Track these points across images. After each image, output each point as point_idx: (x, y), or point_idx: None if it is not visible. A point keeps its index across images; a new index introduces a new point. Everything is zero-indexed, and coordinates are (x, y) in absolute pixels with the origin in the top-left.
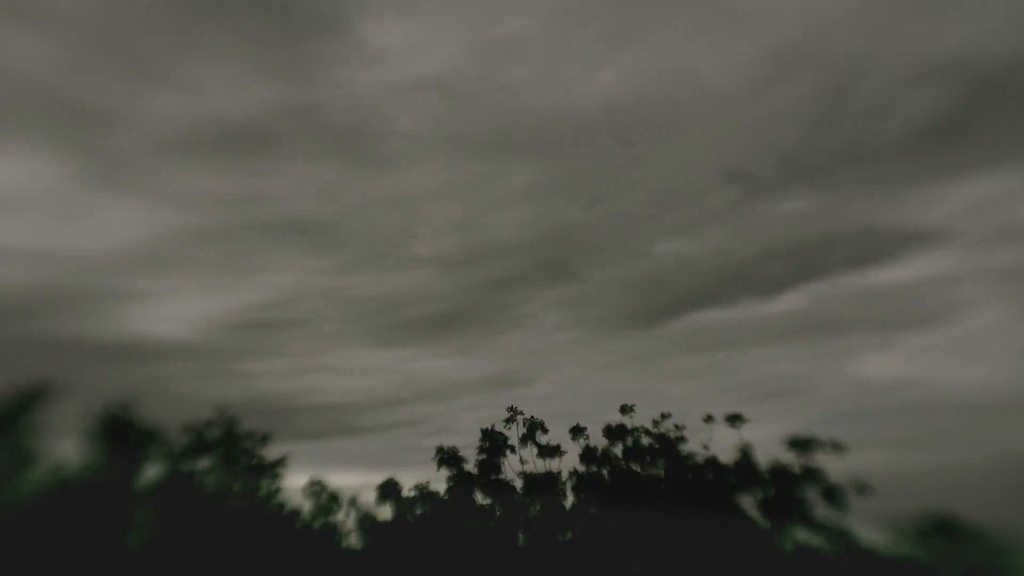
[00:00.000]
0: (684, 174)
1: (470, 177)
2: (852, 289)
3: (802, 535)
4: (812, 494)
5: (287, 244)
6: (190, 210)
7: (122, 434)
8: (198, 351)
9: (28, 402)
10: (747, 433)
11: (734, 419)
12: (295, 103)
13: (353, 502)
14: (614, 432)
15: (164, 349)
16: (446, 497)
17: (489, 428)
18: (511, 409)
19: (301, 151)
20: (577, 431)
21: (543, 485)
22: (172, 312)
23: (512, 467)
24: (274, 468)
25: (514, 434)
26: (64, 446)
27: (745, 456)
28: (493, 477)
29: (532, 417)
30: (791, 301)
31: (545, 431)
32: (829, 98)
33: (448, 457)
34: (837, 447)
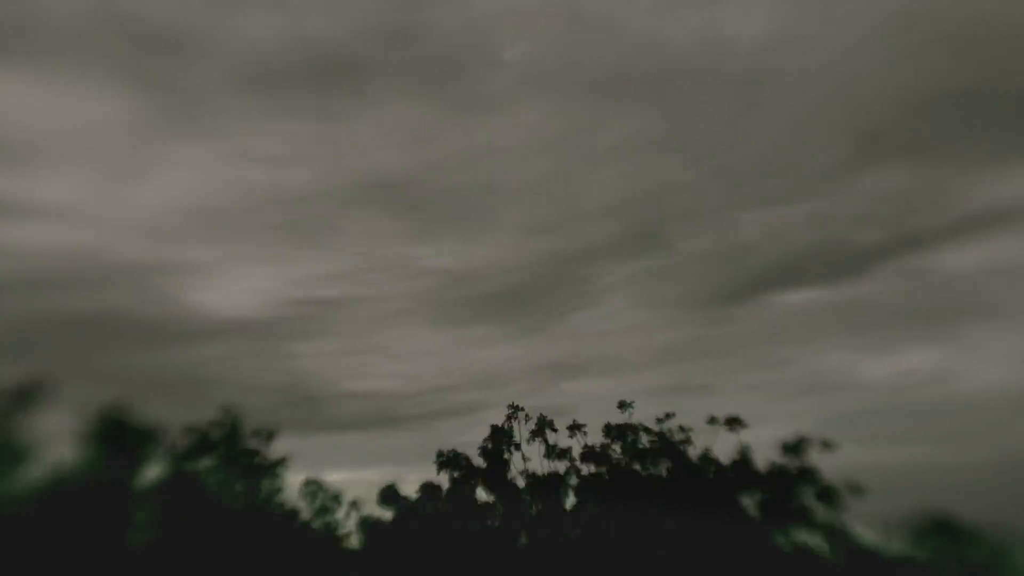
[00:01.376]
0: (788, 137)
1: (573, 124)
2: (938, 274)
3: (801, 536)
4: (807, 495)
5: (362, 204)
6: (258, 163)
7: (118, 435)
8: (250, 329)
9: (23, 400)
10: (758, 434)
11: (733, 422)
12: (396, 24)
13: (354, 504)
14: (613, 431)
15: (213, 327)
16: (445, 500)
17: (499, 425)
18: (511, 407)
19: (394, 87)
20: (575, 428)
21: (546, 485)
22: (227, 284)
23: (516, 466)
24: (275, 468)
25: (520, 432)
26: (60, 446)
27: (744, 457)
28: (498, 476)
29: (541, 415)
30: (865, 285)
31: (554, 430)
32: (947, 69)
33: (449, 461)
34: (827, 446)
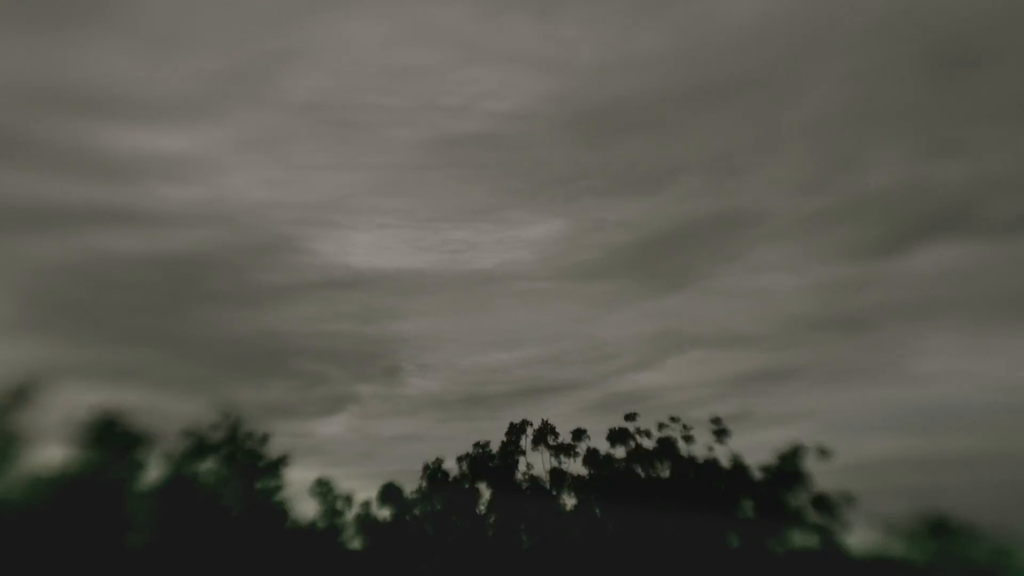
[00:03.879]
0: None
1: None
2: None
3: (799, 539)
4: (802, 501)
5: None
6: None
7: (115, 438)
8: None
9: (21, 400)
10: (766, 436)
11: (720, 433)
12: None
13: (349, 500)
14: (617, 436)
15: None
16: (439, 505)
17: (516, 423)
18: (522, 422)
19: None
20: (579, 433)
21: (547, 488)
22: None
23: (521, 469)
24: (276, 467)
25: (526, 440)
26: (58, 447)
27: (738, 462)
28: (505, 478)
29: (544, 421)
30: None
31: (556, 435)
32: None
33: (434, 472)
34: (824, 453)
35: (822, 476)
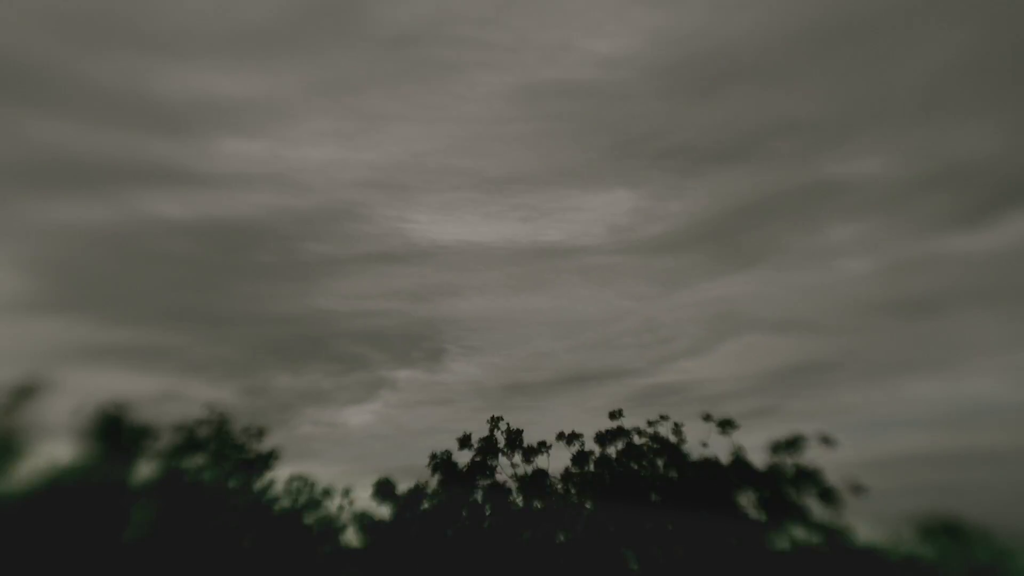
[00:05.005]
0: None
1: None
2: None
3: (800, 535)
4: (807, 494)
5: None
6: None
7: (114, 433)
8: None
9: (21, 397)
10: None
11: (725, 424)
12: None
13: (347, 492)
14: (606, 437)
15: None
16: (436, 500)
17: (467, 435)
18: (492, 419)
19: None
20: (572, 437)
21: (535, 484)
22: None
23: (504, 470)
24: (266, 462)
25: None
26: (57, 444)
27: (739, 457)
28: (487, 481)
29: (509, 425)
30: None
31: (520, 442)
32: None
33: (442, 464)
34: (827, 442)
35: (837, 471)
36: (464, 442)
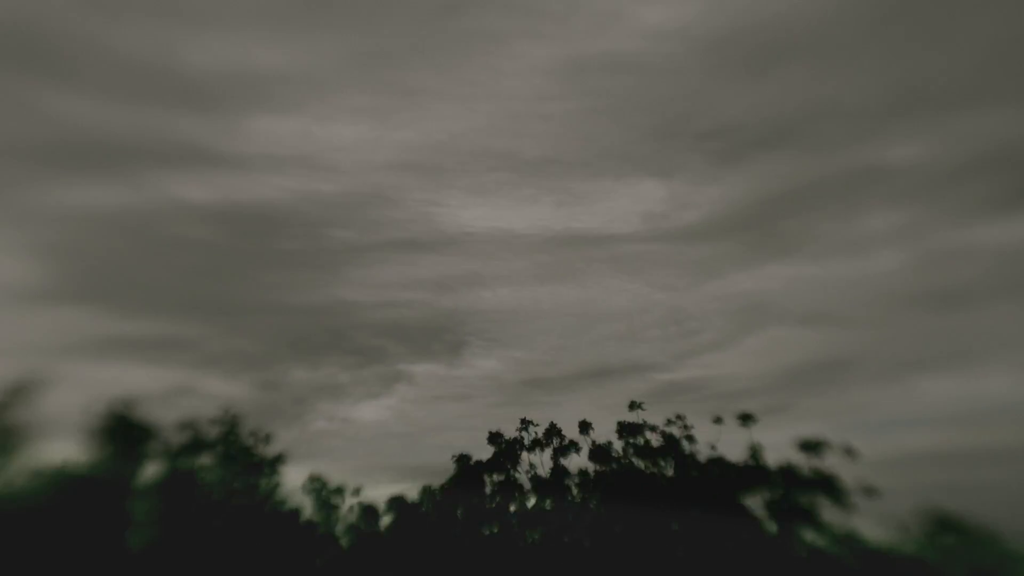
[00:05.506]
0: None
1: None
2: None
3: (809, 536)
4: (819, 498)
5: None
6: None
7: (122, 432)
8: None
9: (24, 396)
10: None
11: (746, 418)
12: None
13: (357, 491)
14: (626, 429)
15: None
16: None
17: (497, 433)
18: (523, 421)
19: None
20: (585, 426)
21: (551, 484)
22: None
23: (523, 469)
24: (273, 465)
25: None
26: (63, 443)
27: (754, 456)
28: (500, 479)
29: (552, 423)
30: None
31: (562, 437)
32: None
33: (465, 467)
34: (849, 453)
35: (850, 472)
36: (494, 439)
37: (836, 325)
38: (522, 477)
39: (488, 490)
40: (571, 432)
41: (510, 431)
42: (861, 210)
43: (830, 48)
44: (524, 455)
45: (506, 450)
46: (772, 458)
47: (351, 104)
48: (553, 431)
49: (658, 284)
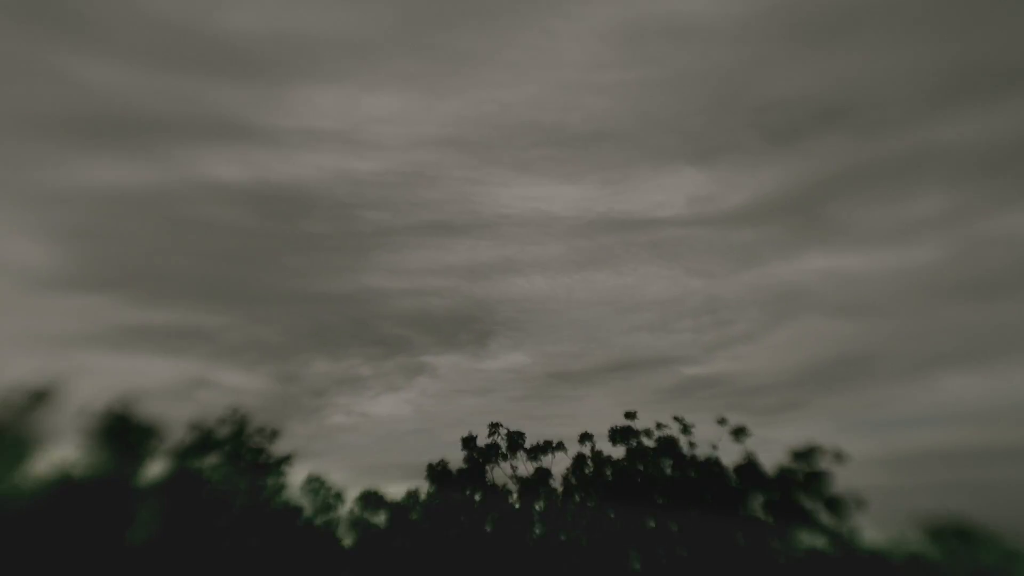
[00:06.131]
0: None
1: None
2: None
3: (807, 538)
4: (814, 501)
5: None
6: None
7: (122, 432)
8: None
9: (29, 400)
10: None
11: (739, 432)
12: None
13: (357, 499)
14: (619, 434)
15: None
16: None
17: (471, 437)
18: (493, 424)
19: None
20: (585, 437)
21: (536, 484)
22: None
23: (504, 472)
24: (280, 465)
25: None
26: (64, 444)
27: (750, 460)
28: (480, 485)
29: (508, 430)
30: None
31: (522, 443)
32: None
33: (440, 474)
34: (839, 457)
35: (863, 469)
36: (467, 443)
37: (867, 317)
38: (504, 479)
39: (468, 492)
40: (593, 426)
41: (527, 427)
42: (909, 194)
43: (891, 22)
44: (504, 462)
45: (479, 456)
46: (778, 458)
47: (400, 71)
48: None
49: (696, 271)
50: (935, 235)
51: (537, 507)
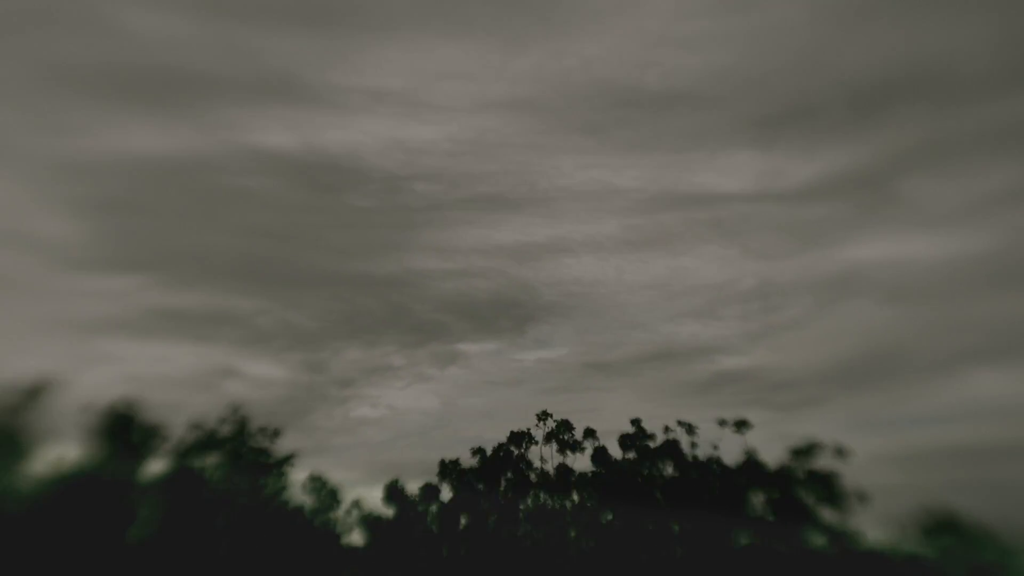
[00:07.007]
0: None
1: None
2: None
3: (809, 535)
4: (815, 498)
5: None
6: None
7: (124, 431)
8: None
9: (30, 398)
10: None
11: (740, 425)
12: None
13: (357, 504)
14: (627, 440)
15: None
16: (450, 501)
17: (517, 431)
18: (542, 413)
19: None
20: (588, 433)
21: (557, 484)
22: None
23: (534, 462)
24: (281, 465)
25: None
26: (66, 443)
27: (750, 458)
28: (509, 476)
29: (563, 419)
30: None
31: (571, 429)
32: None
33: (451, 471)
34: (840, 453)
35: (875, 467)
36: (516, 439)
37: (914, 304)
38: (530, 473)
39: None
40: (617, 422)
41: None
42: (983, 170)
43: None
44: (536, 448)
45: (492, 460)
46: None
47: (477, 20)
48: (562, 426)
49: (754, 251)
50: (1001, 215)
51: (549, 505)
